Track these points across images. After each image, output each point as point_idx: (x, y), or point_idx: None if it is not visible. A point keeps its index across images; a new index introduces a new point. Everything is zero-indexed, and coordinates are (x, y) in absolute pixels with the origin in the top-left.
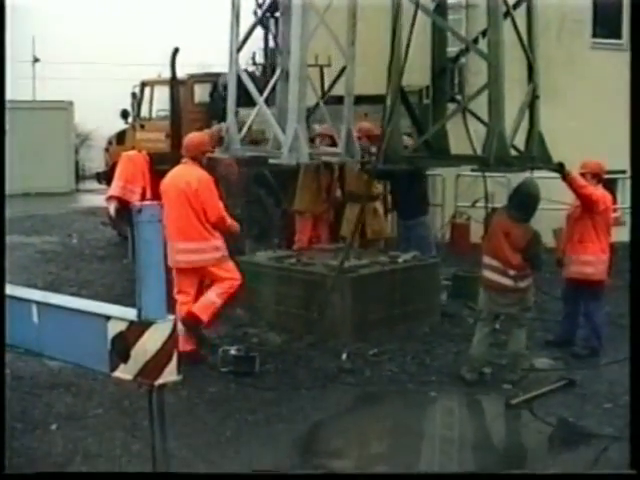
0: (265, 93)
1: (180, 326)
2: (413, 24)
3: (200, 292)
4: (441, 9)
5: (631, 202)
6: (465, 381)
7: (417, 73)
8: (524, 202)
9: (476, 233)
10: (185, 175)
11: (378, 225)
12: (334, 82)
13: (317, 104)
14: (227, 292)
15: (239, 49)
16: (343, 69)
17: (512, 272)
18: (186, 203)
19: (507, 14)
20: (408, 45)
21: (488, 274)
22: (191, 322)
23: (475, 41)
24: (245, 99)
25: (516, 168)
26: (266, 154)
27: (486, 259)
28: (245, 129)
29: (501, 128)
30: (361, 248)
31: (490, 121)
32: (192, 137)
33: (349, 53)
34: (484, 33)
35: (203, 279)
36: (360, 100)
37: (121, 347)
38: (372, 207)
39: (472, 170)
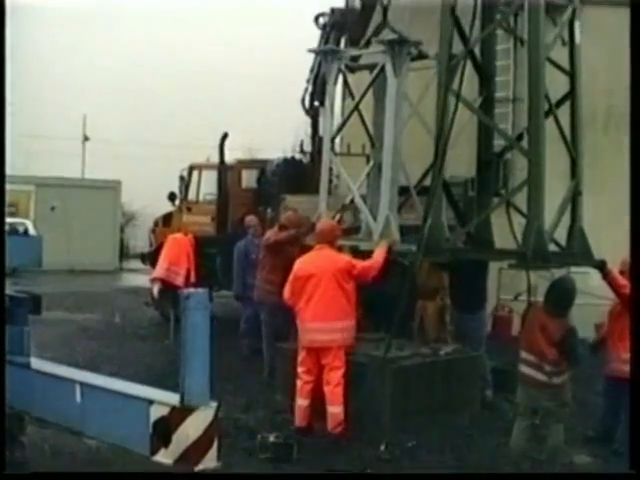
0: (358, 182)
1: (298, 402)
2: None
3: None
4: (488, 103)
5: (631, 203)
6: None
7: (464, 164)
8: (560, 297)
9: (518, 326)
10: (329, 257)
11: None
12: (427, 172)
13: (409, 193)
14: (339, 387)
15: (333, 137)
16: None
17: (547, 367)
18: (335, 284)
19: (550, 111)
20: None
21: (524, 369)
22: (343, 437)
23: (520, 136)
24: (293, 186)
25: (554, 263)
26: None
27: (523, 354)
28: (336, 218)
29: (540, 223)
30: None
31: (529, 216)
32: (326, 224)
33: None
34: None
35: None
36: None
37: (163, 431)
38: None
39: (509, 265)
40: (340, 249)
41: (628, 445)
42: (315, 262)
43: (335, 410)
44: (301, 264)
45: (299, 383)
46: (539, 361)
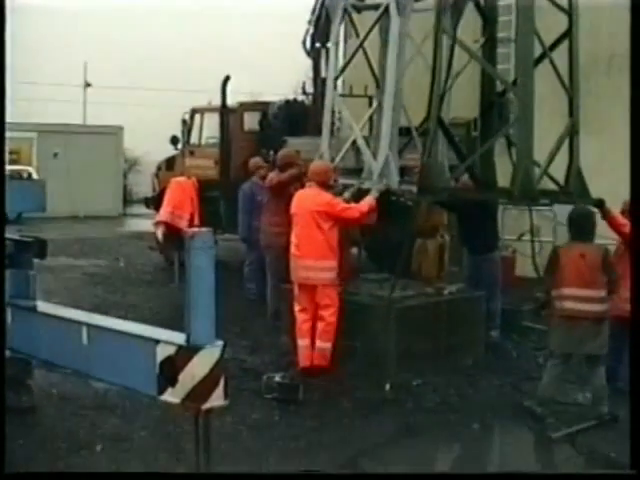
0: (361, 123)
1: (299, 341)
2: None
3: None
4: (490, 43)
5: (631, 202)
6: (535, 415)
7: (466, 105)
8: (584, 222)
9: (521, 267)
10: (312, 196)
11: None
12: (429, 114)
13: (411, 134)
14: (330, 325)
15: (337, 77)
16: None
17: (596, 293)
18: (313, 223)
19: (544, 55)
20: (447, 77)
21: (570, 304)
22: (317, 373)
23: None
24: (295, 128)
25: (543, 202)
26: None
27: (566, 290)
28: (338, 158)
29: (527, 163)
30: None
31: (518, 156)
32: (317, 164)
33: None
34: None
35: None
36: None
37: (169, 371)
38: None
39: (500, 203)
40: (343, 189)
41: (630, 383)
42: (299, 200)
43: (323, 345)
44: (293, 202)
45: (297, 322)
46: (588, 290)
